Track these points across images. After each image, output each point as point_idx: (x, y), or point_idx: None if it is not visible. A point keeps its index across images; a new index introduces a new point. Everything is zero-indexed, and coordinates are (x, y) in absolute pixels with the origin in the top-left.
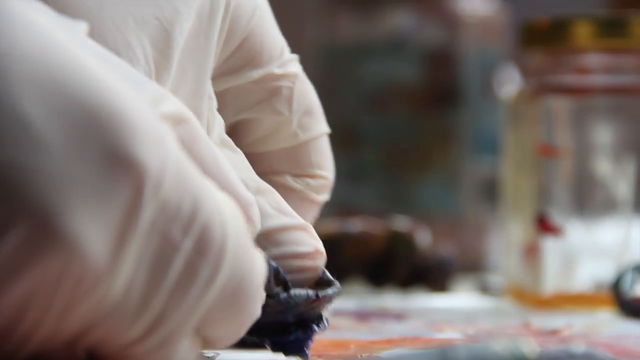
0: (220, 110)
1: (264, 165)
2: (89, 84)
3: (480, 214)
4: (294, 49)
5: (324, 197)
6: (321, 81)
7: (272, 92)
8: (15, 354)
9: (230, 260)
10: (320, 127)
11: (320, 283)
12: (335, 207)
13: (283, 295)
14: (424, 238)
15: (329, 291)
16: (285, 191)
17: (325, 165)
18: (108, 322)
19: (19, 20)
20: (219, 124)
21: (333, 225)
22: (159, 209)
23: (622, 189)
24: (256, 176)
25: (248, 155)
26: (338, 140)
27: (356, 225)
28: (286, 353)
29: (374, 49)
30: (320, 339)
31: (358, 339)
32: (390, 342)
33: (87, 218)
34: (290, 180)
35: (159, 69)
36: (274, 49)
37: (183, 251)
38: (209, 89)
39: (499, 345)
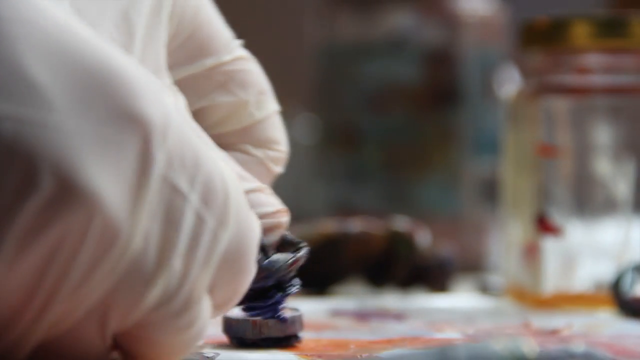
0: None
1: (223, 142)
2: (87, 45)
3: (480, 214)
4: (294, 49)
5: (279, 169)
6: (321, 81)
7: (227, 77)
8: (42, 314)
9: (234, 214)
10: (273, 105)
11: (285, 244)
12: (335, 207)
13: (265, 261)
14: (424, 238)
15: (302, 252)
16: (244, 157)
17: (280, 139)
18: (127, 283)
19: None
20: (182, 101)
21: (333, 225)
22: (166, 161)
23: (622, 189)
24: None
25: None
26: (338, 140)
27: (356, 225)
28: (262, 316)
29: (374, 49)
30: (320, 338)
31: (358, 339)
32: (390, 342)
33: (103, 172)
34: (250, 148)
35: (125, 49)
36: (221, 38)
37: (192, 202)
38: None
39: (498, 345)
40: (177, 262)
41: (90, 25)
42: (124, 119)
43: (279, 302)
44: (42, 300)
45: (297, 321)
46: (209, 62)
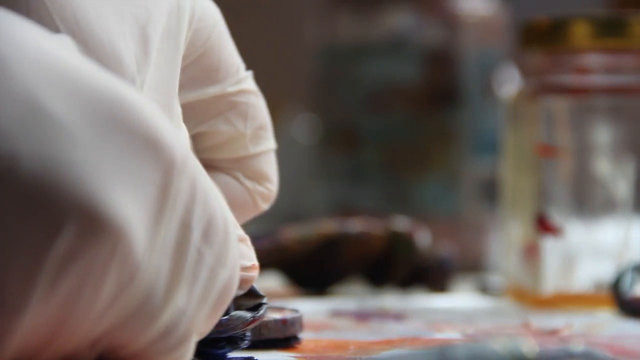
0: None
1: (216, 166)
2: (98, 79)
3: (480, 214)
4: (294, 49)
5: (266, 206)
6: (321, 81)
7: (228, 107)
8: (65, 346)
9: (232, 254)
10: (270, 143)
11: (249, 294)
12: (335, 207)
13: (224, 317)
14: (423, 238)
15: (261, 312)
16: (235, 183)
17: (271, 178)
18: (136, 316)
19: (13, 30)
20: (184, 133)
21: (333, 225)
22: (182, 194)
23: (622, 189)
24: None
25: (200, 160)
26: (338, 140)
27: (356, 225)
28: None
29: (374, 49)
30: (320, 339)
31: (357, 339)
32: (389, 343)
33: (127, 203)
34: (241, 177)
35: (140, 64)
36: (230, 66)
37: (194, 238)
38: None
39: (498, 345)
40: (181, 298)
41: (108, 34)
42: (148, 149)
43: (226, 353)
44: (68, 332)
45: (296, 322)
46: (213, 90)
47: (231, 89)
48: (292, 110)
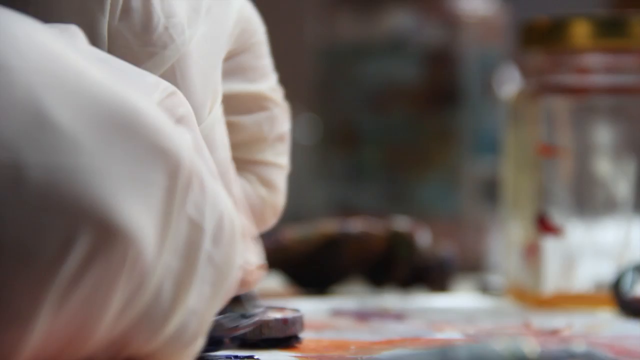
0: None
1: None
2: (104, 86)
3: (480, 214)
4: (294, 49)
5: (272, 221)
6: (321, 81)
7: (259, 109)
8: (78, 352)
9: (238, 254)
10: (285, 159)
11: (243, 299)
12: (335, 207)
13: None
14: (424, 238)
15: (248, 322)
16: (249, 188)
17: (282, 192)
18: (147, 318)
19: (16, 33)
20: (220, 110)
21: (333, 225)
22: (193, 194)
23: (622, 189)
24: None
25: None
26: (338, 140)
27: (356, 225)
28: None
29: (374, 49)
30: (321, 339)
31: (358, 339)
32: (390, 343)
33: (135, 209)
34: (255, 181)
35: (190, 19)
36: (267, 72)
37: (206, 238)
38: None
39: (499, 345)
40: (192, 299)
41: None
42: (151, 155)
43: (210, 350)
44: (81, 340)
45: (297, 322)
46: (250, 87)
47: (265, 93)
48: (292, 110)
